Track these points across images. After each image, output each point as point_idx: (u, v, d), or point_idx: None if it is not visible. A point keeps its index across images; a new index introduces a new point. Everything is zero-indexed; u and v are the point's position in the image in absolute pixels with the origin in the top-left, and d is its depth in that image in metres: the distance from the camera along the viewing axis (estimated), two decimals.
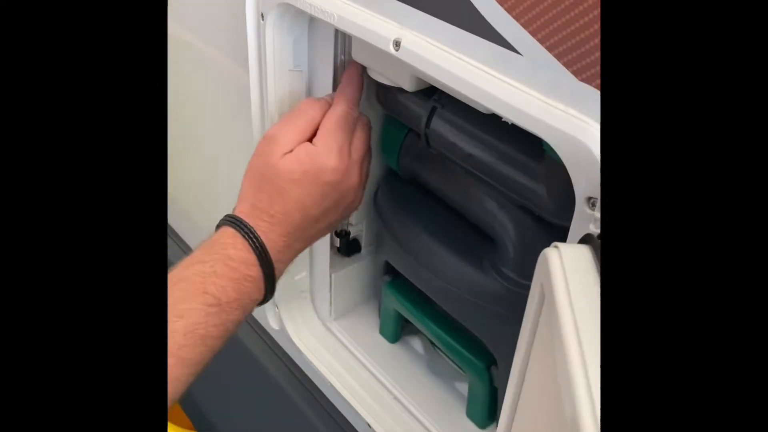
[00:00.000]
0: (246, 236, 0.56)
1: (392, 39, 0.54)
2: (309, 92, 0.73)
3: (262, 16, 0.67)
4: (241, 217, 0.58)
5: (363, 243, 0.85)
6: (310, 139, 0.61)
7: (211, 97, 0.94)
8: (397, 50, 0.54)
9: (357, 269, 0.86)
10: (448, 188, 0.70)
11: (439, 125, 0.63)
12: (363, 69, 0.68)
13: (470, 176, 0.64)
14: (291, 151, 0.60)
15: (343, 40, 0.69)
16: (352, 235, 0.84)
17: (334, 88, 0.71)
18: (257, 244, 0.56)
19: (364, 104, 0.73)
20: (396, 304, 0.78)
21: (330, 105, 0.62)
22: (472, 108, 0.54)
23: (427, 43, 0.52)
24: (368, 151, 0.68)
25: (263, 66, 0.69)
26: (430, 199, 0.74)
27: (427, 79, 0.56)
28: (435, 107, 0.63)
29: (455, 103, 0.60)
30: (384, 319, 0.82)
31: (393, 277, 0.79)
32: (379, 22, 0.55)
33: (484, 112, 0.54)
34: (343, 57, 0.70)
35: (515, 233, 0.62)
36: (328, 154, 0.59)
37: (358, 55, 0.66)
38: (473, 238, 0.69)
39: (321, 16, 0.60)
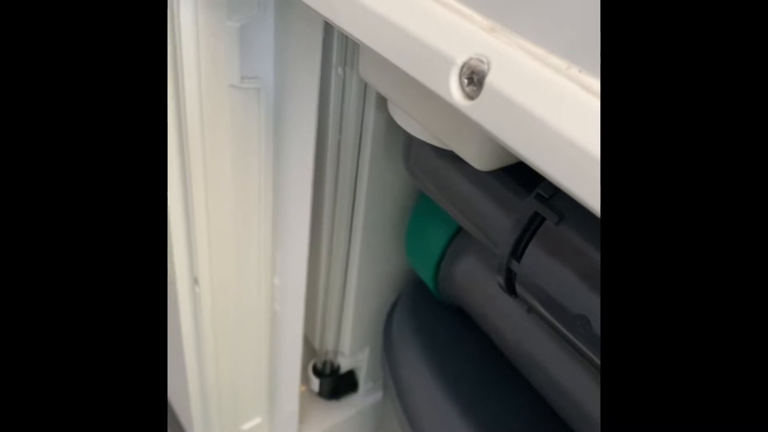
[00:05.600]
0: None
1: (459, 62, 0.18)
2: (273, 127, 0.37)
3: None
4: None
5: (361, 378, 0.50)
6: None
7: None
8: (471, 96, 0.18)
9: (348, 425, 0.50)
10: (538, 366, 0.34)
11: (543, 258, 0.27)
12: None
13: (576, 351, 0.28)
14: None
15: (342, 39, 0.33)
16: (344, 369, 0.49)
17: (321, 128, 0.36)
18: None
19: (381, 160, 0.37)
20: None
21: None
22: None
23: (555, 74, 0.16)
24: None
25: (178, 73, 0.34)
26: (495, 356, 0.38)
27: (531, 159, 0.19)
28: (540, 216, 0.27)
29: (585, 211, 0.24)
30: None
31: None
32: (424, 11, 0.19)
33: None
34: (341, 71, 0.34)
35: None
36: None
37: (368, 74, 0.30)
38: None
39: None
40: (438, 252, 0.37)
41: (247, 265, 0.42)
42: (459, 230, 0.36)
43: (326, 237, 0.41)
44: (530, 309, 0.29)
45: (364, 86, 0.34)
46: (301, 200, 0.38)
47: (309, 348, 0.49)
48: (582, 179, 0.16)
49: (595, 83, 0.16)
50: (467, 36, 0.18)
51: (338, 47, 0.33)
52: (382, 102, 0.35)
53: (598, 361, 0.27)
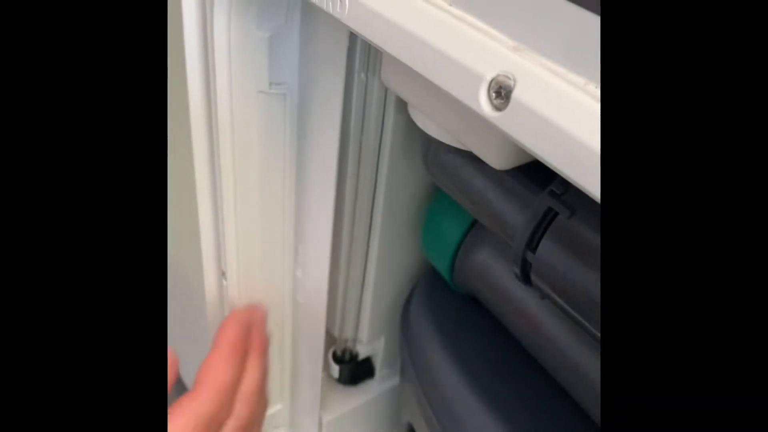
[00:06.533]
0: None
1: (488, 78, 0.20)
2: (298, 131, 0.40)
3: None
4: None
5: (378, 365, 0.52)
6: None
7: None
8: (499, 108, 0.20)
9: (365, 409, 0.53)
10: (550, 351, 0.36)
11: (556, 249, 0.29)
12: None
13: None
14: None
15: (365, 47, 0.35)
16: (362, 356, 0.51)
17: (344, 130, 0.38)
18: None
19: (400, 159, 0.39)
20: None
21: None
22: None
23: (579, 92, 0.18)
24: None
25: (211, 80, 0.36)
26: (507, 341, 0.40)
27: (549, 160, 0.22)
28: (553, 211, 0.29)
29: (594, 207, 0.27)
30: None
31: None
32: (456, 33, 0.22)
33: None
34: (364, 76, 0.36)
35: None
36: None
37: (390, 80, 0.33)
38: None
39: (317, 1, 0.27)
40: (454, 244, 0.39)
41: (271, 259, 0.45)
42: (474, 223, 0.39)
43: (347, 232, 0.44)
44: (544, 296, 0.31)
45: (385, 90, 0.37)
46: (325, 198, 0.41)
47: (329, 336, 0.51)
48: (597, 180, 0.18)
49: None
50: (495, 55, 0.20)
51: (361, 54, 0.35)
52: (401, 105, 0.37)
53: None
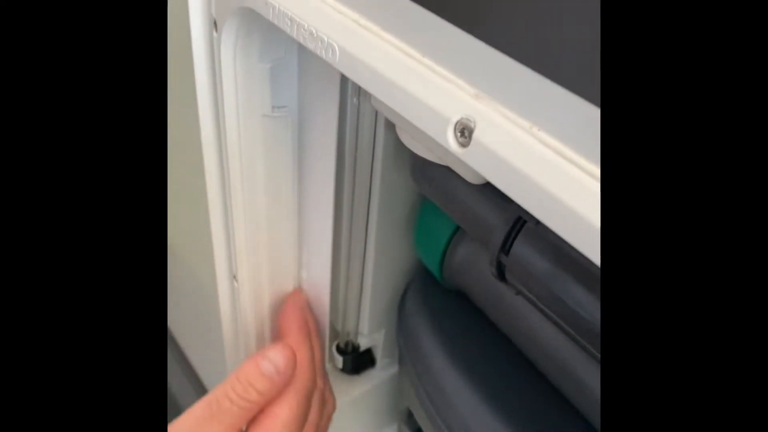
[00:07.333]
0: None
1: (453, 120, 0.25)
2: (299, 148, 0.44)
3: (215, 26, 0.38)
4: None
5: (378, 355, 0.57)
6: None
7: None
8: (464, 145, 0.25)
9: (368, 396, 0.58)
10: (526, 338, 0.41)
11: (526, 252, 0.34)
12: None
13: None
14: None
15: None
16: (363, 347, 0.56)
17: (340, 147, 0.42)
18: None
19: (391, 171, 0.44)
20: None
21: (255, 389, 0.41)
22: None
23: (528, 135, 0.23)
24: None
25: (219, 106, 0.40)
26: (492, 331, 0.45)
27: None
28: (522, 219, 0.34)
29: None
30: None
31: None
32: (427, 81, 0.26)
33: None
34: (356, 101, 0.41)
35: None
36: None
37: (379, 105, 0.37)
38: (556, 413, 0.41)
39: (310, 45, 0.31)
40: (443, 245, 0.44)
41: (278, 262, 0.49)
42: (459, 227, 0.43)
43: (346, 236, 0.48)
44: (518, 292, 0.36)
45: (375, 113, 0.41)
46: (325, 207, 0.45)
47: (332, 330, 0.56)
48: (543, 206, 0.23)
49: (549, 139, 0.23)
50: (460, 101, 0.25)
51: (353, 82, 0.40)
52: (390, 125, 0.42)
53: (574, 334, 0.34)
